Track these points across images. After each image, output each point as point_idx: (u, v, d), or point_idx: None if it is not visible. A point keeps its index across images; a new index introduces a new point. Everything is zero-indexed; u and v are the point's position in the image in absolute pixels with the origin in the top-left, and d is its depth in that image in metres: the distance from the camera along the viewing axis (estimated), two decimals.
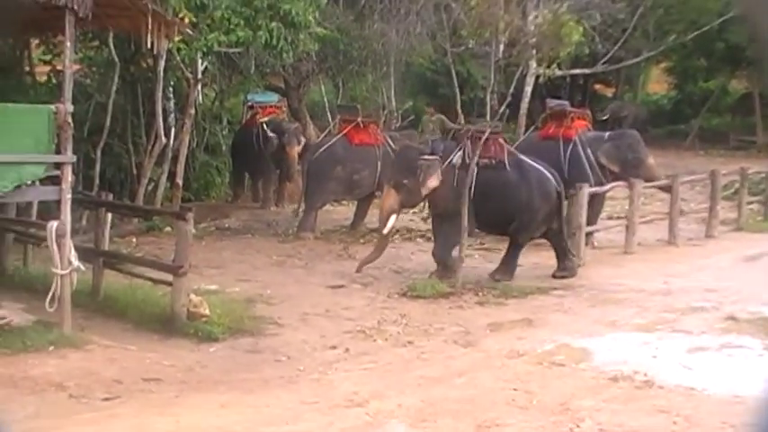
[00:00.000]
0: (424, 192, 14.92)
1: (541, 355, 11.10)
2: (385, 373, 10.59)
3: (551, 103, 20.03)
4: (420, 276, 15.26)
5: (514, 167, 15.40)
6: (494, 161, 15.31)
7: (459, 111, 16.47)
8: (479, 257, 17.04)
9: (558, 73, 18.72)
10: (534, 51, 18.90)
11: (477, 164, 15.06)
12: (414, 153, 15.53)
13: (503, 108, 18.37)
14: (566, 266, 15.67)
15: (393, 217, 15.15)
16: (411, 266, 16.36)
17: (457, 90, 16.30)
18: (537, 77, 21.51)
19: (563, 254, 15.68)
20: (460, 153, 15.23)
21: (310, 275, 15.68)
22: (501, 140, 15.80)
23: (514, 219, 15.16)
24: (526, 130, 21.17)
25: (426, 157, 15.08)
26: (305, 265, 16.43)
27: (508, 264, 15.47)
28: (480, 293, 14.35)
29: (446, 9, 16.26)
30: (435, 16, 17.33)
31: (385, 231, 15.01)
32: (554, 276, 15.51)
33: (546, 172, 15.63)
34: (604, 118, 32.80)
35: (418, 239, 19.05)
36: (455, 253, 14.84)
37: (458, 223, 14.48)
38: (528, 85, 21.74)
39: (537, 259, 16.33)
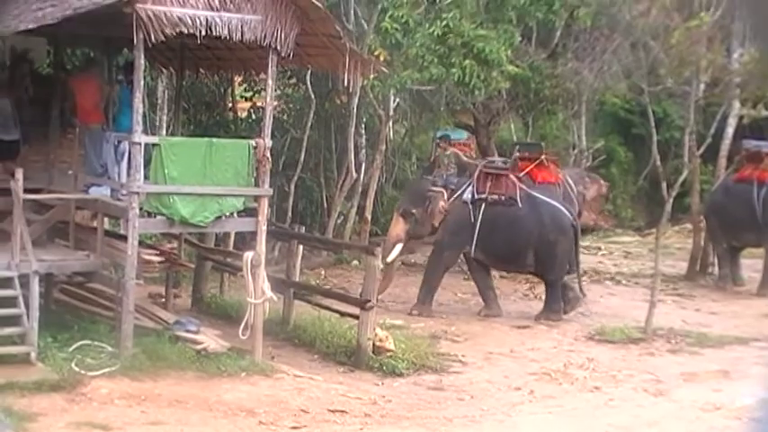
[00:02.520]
0: (433, 222, 15.03)
1: (740, 410, 10.45)
2: (571, 419, 10.29)
3: (748, 144, 19.19)
4: (608, 320, 14.81)
5: (526, 203, 15.27)
6: (503, 197, 15.23)
7: (655, 151, 15.88)
8: (672, 303, 16.39)
9: (765, 114, 17.83)
10: (738, 91, 18.08)
11: (486, 200, 15.10)
12: (426, 185, 15.59)
13: (701, 149, 17.65)
14: (552, 310, 15.09)
15: (399, 246, 14.99)
16: (599, 309, 15.91)
17: (653, 130, 15.73)
18: (740, 118, 20.60)
19: (561, 295, 15.18)
20: (470, 188, 15.27)
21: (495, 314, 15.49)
22: (513, 177, 15.65)
23: (525, 254, 14.87)
24: (726, 173, 20.27)
25: (434, 188, 15.18)
26: None
27: (551, 304, 15.15)
28: (673, 341, 13.75)
29: (644, 47, 15.79)
30: (632, 54, 16.88)
31: (389, 259, 14.73)
32: (536, 319, 15.03)
33: (560, 206, 15.52)
34: None
35: (607, 282, 18.53)
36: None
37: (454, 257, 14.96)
38: (730, 126, 20.81)
39: (737, 308, 15.54)
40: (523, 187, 15.62)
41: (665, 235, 18.86)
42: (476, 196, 15.22)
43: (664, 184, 15.56)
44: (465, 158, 17.88)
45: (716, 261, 18.89)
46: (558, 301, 15.17)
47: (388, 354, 12.03)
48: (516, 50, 18.24)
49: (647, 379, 11.82)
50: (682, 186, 16.71)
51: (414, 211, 15.20)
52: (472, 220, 15.03)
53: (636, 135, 27.31)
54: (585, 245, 22.06)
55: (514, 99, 20.90)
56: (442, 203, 15.07)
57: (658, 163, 15.87)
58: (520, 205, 15.22)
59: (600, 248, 22.88)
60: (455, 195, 15.29)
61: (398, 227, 15.21)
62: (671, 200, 15.29)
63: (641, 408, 10.70)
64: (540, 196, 15.61)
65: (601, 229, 25.84)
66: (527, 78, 19.18)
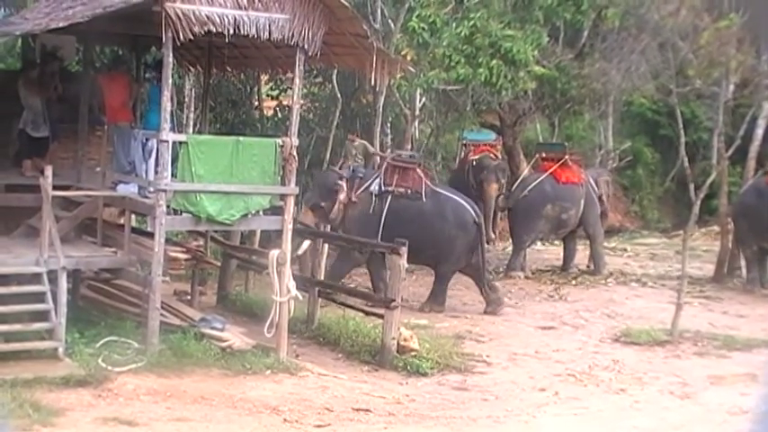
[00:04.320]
0: (334, 214, 15.04)
1: None
2: (596, 421, 10.24)
3: None
4: (634, 322, 14.74)
5: (430, 198, 15.35)
6: (409, 191, 15.24)
7: (683, 153, 15.77)
8: (699, 305, 16.28)
9: None
10: None
11: (393, 192, 15.12)
12: (333, 177, 15.57)
13: (730, 151, 17.51)
14: (491, 301, 15.32)
15: (307, 241, 14.66)
16: (624, 311, 15.82)
17: (681, 131, 15.61)
18: None
19: (485, 288, 15.34)
20: (378, 181, 15.32)
21: (520, 315, 15.48)
22: (420, 171, 15.69)
23: (430, 248, 14.78)
24: (754, 175, 20.10)
25: (338, 181, 15.19)
26: (515, 305, 16.23)
27: (436, 295, 15.29)
28: (699, 343, 13.65)
29: (672, 48, 15.68)
30: (660, 55, 16.78)
31: (299, 252, 14.64)
32: (485, 313, 15.14)
33: (464, 203, 15.60)
34: None
35: (632, 283, 18.43)
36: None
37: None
38: (759, 128, 20.63)
39: (764, 311, 15.40)
40: (428, 182, 15.78)
41: (692, 237, 18.75)
42: (383, 189, 15.30)
43: (691, 186, 15.45)
44: (372, 150, 18.11)
45: (744, 264, 18.74)
46: (444, 294, 15.41)
47: (413, 353, 12.03)
48: (543, 51, 18.21)
49: (674, 382, 11.74)
50: (709, 188, 16.59)
51: (322, 204, 15.19)
52: (378, 212, 15.12)
53: (663, 136, 27.18)
54: (611, 246, 22.01)
55: (541, 99, 20.85)
56: (343, 195, 15.11)
57: (686, 164, 15.77)
58: (424, 199, 15.32)
59: (626, 250, 22.77)
60: (363, 187, 15.33)
61: (307, 220, 15.17)
62: (698, 202, 15.18)
63: (667, 411, 10.63)
64: (445, 192, 15.85)
65: (626, 230, 25.73)
66: (554, 79, 19.14)
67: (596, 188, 19.56)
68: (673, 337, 13.70)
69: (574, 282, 18.35)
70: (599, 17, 18.80)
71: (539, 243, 21.06)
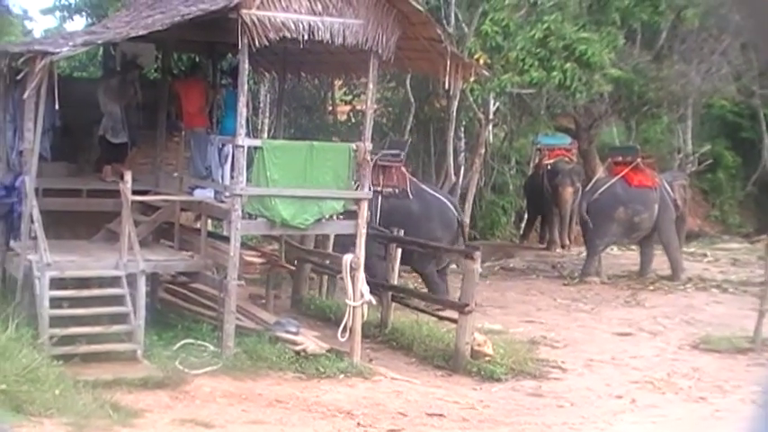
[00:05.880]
0: None
1: None
2: (674, 429, 10.03)
3: None
4: (714, 329, 14.40)
5: (417, 197, 15.17)
6: (397, 190, 15.00)
7: (766, 156, 15.40)
8: None
9: None
10: None
11: (381, 192, 14.81)
12: None
13: None
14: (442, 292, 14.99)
15: None
16: (704, 318, 15.46)
17: (765, 134, 15.24)
18: None
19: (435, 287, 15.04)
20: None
21: (596, 321, 15.25)
22: (403, 169, 15.39)
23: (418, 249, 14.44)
24: None
25: None
26: (590, 310, 16.01)
27: (438, 293, 14.93)
28: None
29: (755, 48, 15.34)
30: (742, 56, 16.40)
31: None
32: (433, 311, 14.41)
33: (447, 202, 15.47)
34: None
35: (713, 290, 18.00)
36: None
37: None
38: None
39: None
40: (414, 180, 15.67)
41: None
42: (371, 189, 15.12)
43: None
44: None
45: None
46: (442, 284, 15.25)
47: (487, 358, 11.95)
48: (619, 53, 17.96)
49: (756, 390, 11.41)
50: None
51: None
52: (372, 213, 14.83)
53: (744, 139, 26.52)
54: (690, 251, 21.54)
55: (617, 102, 20.58)
56: None
57: None
58: (411, 197, 15.19)
59: (706, 255, 22.25)
60: None
61: None
62: None
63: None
64: (429, 190, 15.76)
65: (706, 235, 25.18)
66: (630, 81, 18.87)
67: (671, 192, 19.19)
68: (755, 345, 13.33)
69: (651, 287, 18.01)
70: (678, 18, 18.46)
71: (614, 248, 20.74)
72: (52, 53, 10.11)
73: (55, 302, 10.26)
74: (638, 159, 19.01)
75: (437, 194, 15.94)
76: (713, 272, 19.66)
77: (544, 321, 14.97)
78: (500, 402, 10.79)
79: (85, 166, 13.52)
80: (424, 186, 15.93)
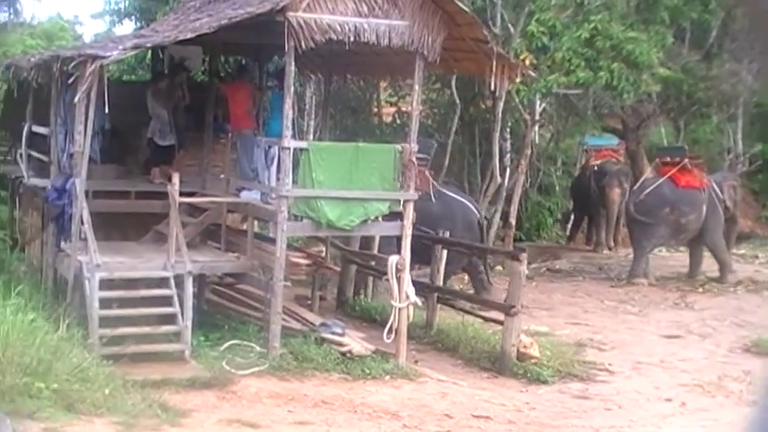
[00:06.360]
0: None
1: None
2: None
3: None
4: (766, 331, 14.15)
5: (438, 199, 15.09)
6: (420, 192, 14.49)
7: None
8: None
9: None
10: None
11: None
12: None
13: None
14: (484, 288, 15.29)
15: None
16: (755, 320, 15.22)
17: None
18: None
19: (480, 287, 15.29)
20: None
21: (644, 323, 15.09)
22: (426, 173, 15.16)
23: (435, 249, 14.06)
24: None
25: None
26: (638, 312, 15.85)
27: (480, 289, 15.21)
28: None
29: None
30: None
31: None
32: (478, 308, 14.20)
33: (469, 204, 15.53)
34: None
35: (765, 292, 17.71)
36: None
37: None
38: None
39: None
40: (435, 183, 15.61)
41: None
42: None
43: None
44: None
45: None
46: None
47: (533, 360, 11.88)
48: (668, 52, 17.75)
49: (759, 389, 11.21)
50: None
51: None
52: None
53: None
54: (741, 253, 21.24)
55: (665, 102, 20.36)
56: None
57: None
58: (433, 200, 15.06)
59: (757, 257, 21.90)
60: None
61: None
62: None
63: None
64: (450, 193, 15.72)
65: (757, 236, 24.77)
66: (679, 81, 18.65)
67: (721, 193, 18.91)
68: None
69: (700, 289, 17.78)
70: (728, 16, 18.18)
71: (663, 249, 20.51)
72: (102, 57, 10.24)
73: (104, 303, 10.40)
74: (686, 160, 18.77)
75: (458, 197, 16.03)
76: (765, 273, 19.34)
77: (591, 323, 14.85)
78: (546, 405, 10.72)
79: (134, 169, 13.68)
80: (445, 189, 15.94)
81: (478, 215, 15.73)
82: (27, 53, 16.02)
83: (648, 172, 19.85)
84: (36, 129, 13.10)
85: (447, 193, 15.80)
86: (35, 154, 13.33)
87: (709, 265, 19.02)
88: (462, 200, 15.91)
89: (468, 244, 14.66)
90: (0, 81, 15.94)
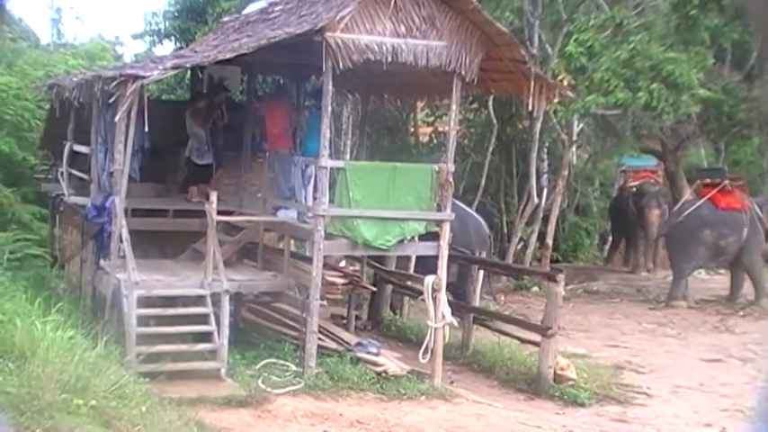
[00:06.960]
0: None
1: None
2: None
3: None
4: None
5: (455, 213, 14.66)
6: None
7: None
8: None
9: None
10: None
11: None
12: None
13: None
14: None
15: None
16: None
17: None
18: None
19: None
20: None
21: (683, 346, 14.89)
22: None
23: (450, 266, 13.42)
24: None
25: None
26: (677, 335, 15.65)
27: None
28: None
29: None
30: None
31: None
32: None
33: (480, 219, 15.55)
34: None
35: None
36: None
37: None
38: None
39: None
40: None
41: None
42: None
43: None
44: None
45: None
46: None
47: (570, 383, 11.76)
48: (708, 73, 17.60)
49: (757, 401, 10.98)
50: None
51: None
52: None
53: None
54: None
55: (705, 123, 20.17)
56: None
57: None
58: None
59: None
60: None
61: None
62: None
63: None
64: (464, 207, 15.58)
65: None
66: (720, 102, 18.47)
67: (762, 215, 18.68)
68: None
69: (741, 313, 17.53)
70: None
71: (702, 272, 20.27)
72: (143, 77, 10.36)
73: (142, 320, 10.47)
74: (726, 181, 18.56)
75: (471, 212, 16.09)
76: None
77: (629, 346, 14.69)
78: (584, 427, 10.60)
79: (172, 187, 13.80)
80: (458, 203, 15.87)
81: (488, 231, 15.78)
82: (69, 73, 16.23)
83: (689, 193, 19.65)
84: (77, 147, 13.27)
85: (460, 206, 15.72)
86: (76, 172, 13.49)
87: (749, 288, 18.76)
88: (474, 215, 15.92)
89: (506, 264, 14.60)
90: (43, 101, 16.17)
